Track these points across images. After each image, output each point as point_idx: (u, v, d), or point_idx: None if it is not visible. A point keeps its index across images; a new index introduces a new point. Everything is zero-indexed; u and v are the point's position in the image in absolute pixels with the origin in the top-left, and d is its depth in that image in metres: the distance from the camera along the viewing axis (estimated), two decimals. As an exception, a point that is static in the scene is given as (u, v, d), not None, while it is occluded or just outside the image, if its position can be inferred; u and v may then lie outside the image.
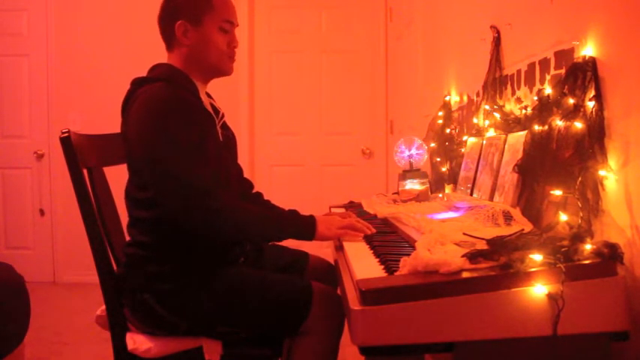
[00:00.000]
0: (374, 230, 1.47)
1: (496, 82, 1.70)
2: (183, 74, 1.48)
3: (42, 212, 4.09)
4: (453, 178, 2.04)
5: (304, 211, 1.75)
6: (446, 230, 1.18)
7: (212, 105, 1.58)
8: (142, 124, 1.36)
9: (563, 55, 1.26)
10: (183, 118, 1.37)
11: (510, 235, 1.06)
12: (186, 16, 1.46)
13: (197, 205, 1.32)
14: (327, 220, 1.45)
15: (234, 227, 1.37)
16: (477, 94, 1.93)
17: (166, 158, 1.32)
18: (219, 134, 1.54)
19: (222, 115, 1.59)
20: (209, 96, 1.62)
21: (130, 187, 1.46)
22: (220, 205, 1.34)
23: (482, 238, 1.07)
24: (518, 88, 1.56)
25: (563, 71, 1.24)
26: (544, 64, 1.37)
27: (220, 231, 1.37)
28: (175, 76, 1.46)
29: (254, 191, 1.80)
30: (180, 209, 1.33)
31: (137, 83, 1.45)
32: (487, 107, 1.70)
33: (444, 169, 2.17)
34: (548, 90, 1.28)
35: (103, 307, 1.47)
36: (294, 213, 1.52)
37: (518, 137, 1.39)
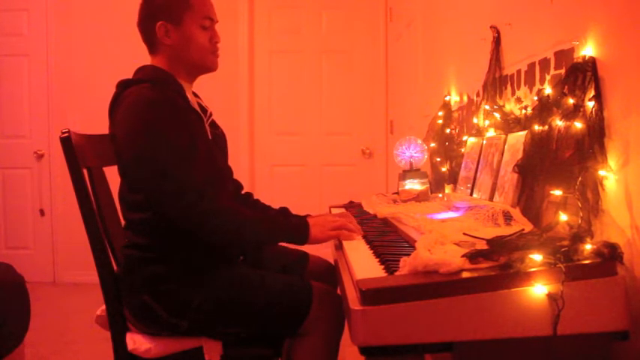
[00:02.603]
0: (362, 233, 1.47)
1: (496, 82, 1.70)
2: (168, 75, 1.48)
3: (42, 212, 4.09)
4: (453, 178, 2.04)
5: (304, 212, 1.75)
6: (446, 230, 1.18)
7: (199, 104, 1.58)
8: (129, 126, 1.36)
9: (563, 55, 1.26)
10: (171, 118, 1.37)
11: (510, 235, 1.06)
12: (166, 16, 1.47)
13: (191, 206, 1.31)
14: (319, 222, 1.44)
15: (227, 230, 1.36)
16: (477, 94, 1.93)
17: (157, 159, 1.32)
18: (209, 133, 1.54)
19: (210, 114, 1.59)
20: (196, 95, 1.62)
21: (122, 190, 1.46)
22: (214, 206, 1.34)
23: (483, 238, 1.07)
24: (518, 88, 1.56)
25: (563, 71, 1.24)
26: (544, 64, 1.37)
27: (213, 233, 1.36)
28: (160, 76, 1.46)
29: (243, 192, 1.79)
30: (172, 210, 1.32)
31: (123, 85, 1.45)
32: (487, 107, 1.70)
33: (444, 169, 2.17)
34: (548, 90, 1.28)
35: (103, 307, 1.47)
36: (287, 216, 1.51)
37: (518, 137, 1.39)
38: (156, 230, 1.41)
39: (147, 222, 1.41)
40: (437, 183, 2.22)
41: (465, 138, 1.96)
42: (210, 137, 1.53)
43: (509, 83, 1.64)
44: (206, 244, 1.41)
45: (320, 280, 1.52)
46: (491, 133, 1.65)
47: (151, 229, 1.41)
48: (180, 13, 1.47)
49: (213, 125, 1.61)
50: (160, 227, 1.39)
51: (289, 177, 4.13)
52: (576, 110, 1.13)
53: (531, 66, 1.46)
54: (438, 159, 2.23)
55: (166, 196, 1.32)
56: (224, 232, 1.36)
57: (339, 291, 1.31)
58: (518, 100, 1.52)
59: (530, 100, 1.45)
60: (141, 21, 1.51)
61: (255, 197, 1.82)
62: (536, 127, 1.29)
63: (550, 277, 0.92)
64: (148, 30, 1.49)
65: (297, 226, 1.42)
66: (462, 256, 0.97)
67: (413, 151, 1.99)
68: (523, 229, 1.13)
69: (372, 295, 0.92)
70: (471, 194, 1.67)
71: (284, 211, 1.74)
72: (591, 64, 1.12)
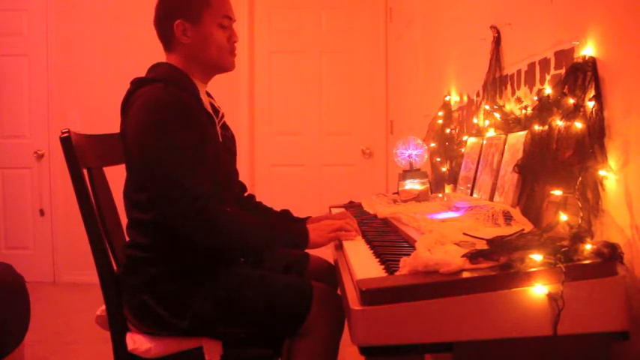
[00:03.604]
0: (360, 233, 1.47)
1: (496, 82, 1.70)
2: (183, 74, 1.47)
3: (42, 212, 4.09)
4: (453, 178, 2.04)
5: (304, 212, 1.76)
6: (446, 230, 1.18)
7: (212, 105, 1.58)
8: (140, 127, 1.36)
9: (563, 55, 1.26)
10: (183, 120, 1.37)
11: (510, 235, 1.06)
12: (185, 15, 1.46)
13: (193, 210, 1.31)
14: (318, 227, 1.45)
15: (227, 235, 1.36)
16: (477, 94, 1.93)
17: (164, 161, 1.32)
18: (219, 135, 1.53)
19: (222, 115, 1.59)
20: (209, 95, 1.62)
21: (128, 189, 1.46)
22: (216, 212, 1.34)
23: (483, 238, 1.07)
24: (518, 88, 1.56)
25: (563, 71, 1.24)
26: (544, 64, 1.37)
27: (214, 238, 1.36)
28: (175, 76, 1.46)
29: (247, 194, 1.79)
30: (175, 213, 1.32)
31: (137, 83, 1.44)
32: (487, 107, 1.70)
33: (444, 169, 2.17)
34: (548, 90, 1.28)
35: (103, 307, 1.47)
36: (287, 222, 1.50)
37: (518, 137, 1.39)
38: (158, 230, 1.40)
39: (150, 222, 1.41)
40: (437, 183, 2.22)
41: (465, 138, 1.96)
42: (220, 139, 1.53)
43: (509, 83, 1.64)
44: (205, 248, 1.40)
45: (320, 280, 1.51)
46: (491, 133, 1.65)
47: (154, 229, 1.41)
48: (199, 11, 1.46)
49: (224, 127, 1.61)
50: (163, 228, 1.39)
51: (289, 177, 4.13)
52: (576, 110, 1.13)
53: (531, 66, 1.46)
54: (438, 159, 2.23)
55: (167, 198, 1.32)
56: (224, 236, 1.36)
57: (339, 291, 1.31)
58: (519, 100, 1.52)
59: (530, 100, 1.44)
60: (158, 19, 1.50)
61: (256, 199, 1.81)
62: (537, 127, 1.29)
63: (550, 277, 0.92)
64: (165, 28, 1.48)
65: (297, 233, 1.43)
66: (462, 256, 0.97)
67: (413, 151, 1.99)
68: (523, 229, 1.13)
69: (372, 295, 0.91)
70: (471, 194, 1.67)
71: (285, 214, 1.74)
72: (591, 64, 1.11)
